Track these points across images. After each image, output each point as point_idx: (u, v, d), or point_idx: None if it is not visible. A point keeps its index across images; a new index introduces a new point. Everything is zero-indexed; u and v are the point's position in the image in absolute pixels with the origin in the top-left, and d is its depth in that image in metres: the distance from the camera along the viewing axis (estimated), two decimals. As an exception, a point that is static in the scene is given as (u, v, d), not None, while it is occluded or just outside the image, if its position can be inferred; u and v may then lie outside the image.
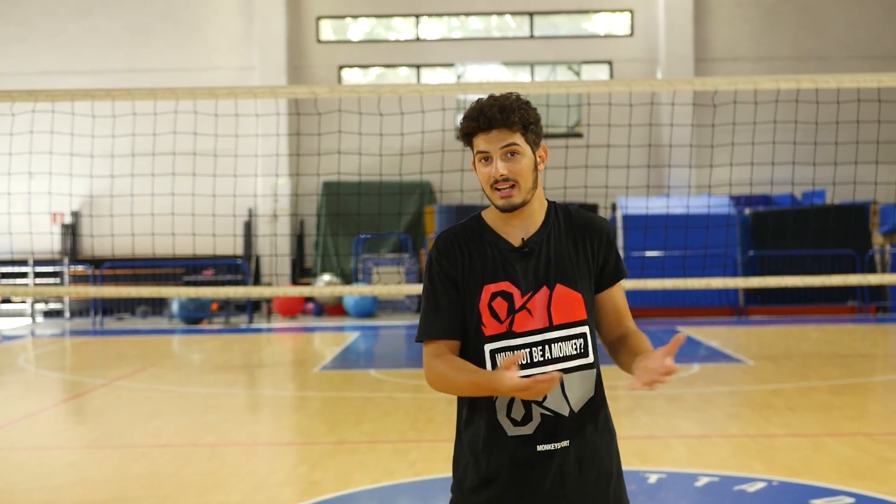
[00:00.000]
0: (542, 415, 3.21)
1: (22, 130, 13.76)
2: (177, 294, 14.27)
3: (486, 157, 3.21)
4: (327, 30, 28.54)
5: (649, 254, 20.92)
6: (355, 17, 28.63)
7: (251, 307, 23.56)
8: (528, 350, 3.21)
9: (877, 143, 14.09)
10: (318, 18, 28.25)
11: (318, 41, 28.30)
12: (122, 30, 27.50)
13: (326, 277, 24.36)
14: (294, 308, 23.92)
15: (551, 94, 11.01)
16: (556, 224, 3.33)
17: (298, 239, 27.27)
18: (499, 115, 3.17)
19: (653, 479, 7.39)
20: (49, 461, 8.72)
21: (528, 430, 3.21)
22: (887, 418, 10.13)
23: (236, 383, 13.52)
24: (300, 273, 26.96)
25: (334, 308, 24.24)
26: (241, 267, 24.49)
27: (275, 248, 24.82)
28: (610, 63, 28.12)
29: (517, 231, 3.29)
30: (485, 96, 3.30)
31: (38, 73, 26.77)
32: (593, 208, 23.97)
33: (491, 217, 3.34)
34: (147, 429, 10.04)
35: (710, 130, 14.27)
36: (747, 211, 23.46)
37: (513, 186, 3.20)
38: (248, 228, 26.05)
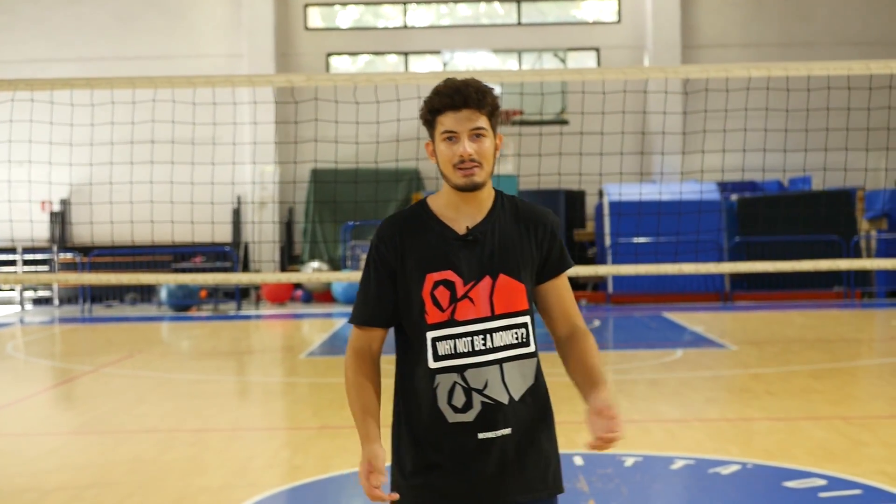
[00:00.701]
0: (482, 402, 3.24)
1: (9, 119, 13.78)
2: (166, 281, 14.34)
3: (452, 137, 3.23)
4: (315, 17, 28.56)
5: (635, 240, 21.01)
6: (343, 4, 28.65)
7: (240, 294, 23.63)
8: (469, 338, 3.24)
9: (846, 129, 14.18)
10: (306, 6, 28.26)
11: (307, 28, 28.31)
12: (109, 17, 27.48)
13: (315, 264, 24.44)
14: (282, 295, 24.00)
15: (527, 81, 11.05)
16: (502, 213, 3.35)
17: (287, 226, 27.32)
18: (475, 95, 3.21)
19: (629, 462, 7.48)
20: (34, 447, 8.80)
21: (468, 417, 3.24)
22: (865, 402, 10.24)
23: (223, 370, 13.60)
24: (289, 260, 27.02)
25: (322, 295, 24.32)
26: (229, 254, 24.55)
27: (260, 235, 24.86)
28: (597, 50, 28.17)
29: (463, 219, 3.31)
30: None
31: (24, 60, 26.74)
32: (580, 195, 24.07)
33: (437, 204, 3.36)
34: (132, 414, 10.12)
35: (697, 117, 14.36)
36: (733, 197, 23.56)
37: (477, 166, 3.23)
38: (237, 216, 26.10)
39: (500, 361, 3.25)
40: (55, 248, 25.43)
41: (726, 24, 28.08)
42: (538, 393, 3.34)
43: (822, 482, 6.78)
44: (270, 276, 15.05)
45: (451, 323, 3.25)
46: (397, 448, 3.37)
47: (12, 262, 25.35)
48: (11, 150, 15.84)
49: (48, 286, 25.43)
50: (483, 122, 3.23)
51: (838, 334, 16.48)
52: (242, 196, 25.99)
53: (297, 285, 24.40)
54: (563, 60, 28.07)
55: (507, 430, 3.25)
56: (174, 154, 15.80)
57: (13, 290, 25.69)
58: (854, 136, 15.27)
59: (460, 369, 3.23)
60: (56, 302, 25.14)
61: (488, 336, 3.25)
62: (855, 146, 15.83)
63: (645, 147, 25.15)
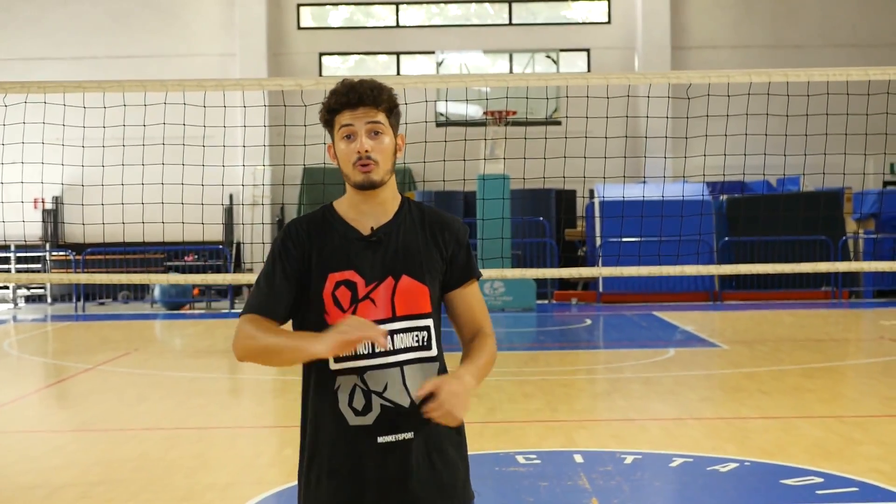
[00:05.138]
0: (381, 406, 3.19)
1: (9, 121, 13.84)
2: (162, 280, 14.43)
3: (350, 135, 3.24)
4: (307, 17, 28.65)
5: (626, 240, 21.15)
6: (335, 4, 28.74)
7: (232, 292, 23.71)
8: (370, 342, 3.17)
9: (845, 134, 14.36)
10: (299, 5, 28.36)
11: (299, 28, 28.40)
12: (104, 16, 27.53)
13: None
14: (275, 293, 24.05)
15: (531, 85, 11.20)
16: (408, 216, 3.34)
17: (279, 225, 27.39)
18: (370, 93, 3.23)
19: (629, 459, 7.62)
20: (39, 444, 8.90)
21: (368, 420, 3.20)
22: (857, 401, 10.41)
23: (220, 367, 13.70)
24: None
25: (315, 293, 24.36)
26: (222, 252, 24.63)
27: (252, 235, 24.90)
28: (588, 51, 28.31)
29: (367, 219, 3.30)
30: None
31: (18, 59, 26.77)
32: (571, 195, 24.18)
33: (342, 206, 3.35)
34: (134, 412, 10.22)
35: (686, 118, 14.52)
36: (723, 197, 23.73)
37: (374, 164, 3.22)
38: (230, 216, 26.18)
39: (400, 364, 3.21)
40: (48, 246, 25.47)
41: (716, 26, 28.25)
42: None
43: (819, 480, 6.93)
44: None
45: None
46: (301, 452, 3.33)
47: (6, 261, 25.38)
48: (3, 150, 15.90)
49: (40, 283, 25.46)
50: (380, 118, 3.25)
51: (828, 334, 16.67)
52: (235, 196, 26.03)
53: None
54: (555, 61, 28.21)
55: (409, 435, 3.20)
56: (169, 154, 15.85)
57: (6, 287, 25.72)
58: (846, 139, 15.43)
59: (360, 371, 3.19)
60: (49, 299, 25.18)
61: (388, 338, 3.20)
62: (847, 150, 15.99)
63: (638, 149, 25.30)
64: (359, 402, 3.19)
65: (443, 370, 3.30)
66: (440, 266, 3.33)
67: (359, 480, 3.20)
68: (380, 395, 3.19)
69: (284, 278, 3.27)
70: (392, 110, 3.28)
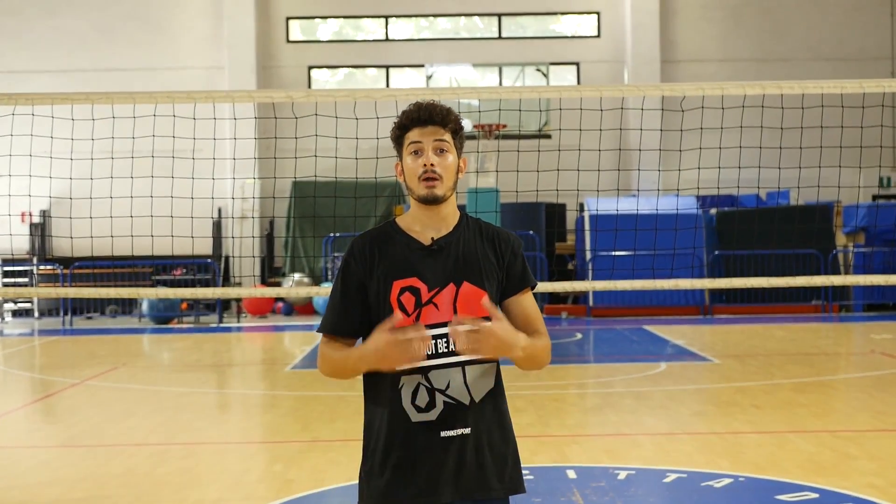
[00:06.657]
0: (444, 402, 3.45)
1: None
2: (150, 294, 14.31)
3: (417, 151, 3.51)
4: (296, 30, 28.61)
5: (616, 253, 21.11)
6: (324, 17, 28.70)
7: (221, 306, 23.59)
8: (433, 342, 3.43)
9: (839, 147, 14.33)
10: (288, 19, 28.31)
11: (288, 41, 28.35)
12: (90, 29, 27.44)
13: (296, 276, 24.42)
14: (264, 307, 23.96)
15: (523, 98, 11.14)
16: (466, 229, 3.59)
17: (268, 238, 27.29)
18: (439, 112, 3.51)
19: (622, 475, 7.55)
20: (25, 460, 8.80)
21: (431, 416, 3.45)
22: (850, 415, 10.35)
23: (208, 382, 13.60)
24: (270, 272, 26.99)
25: (304, 307, 24.30)
26: (210, 266, 24.51)
27: (241, 249, 24.78)
28: (577, 64, 28.30)
29: (429, 231, 3.54)
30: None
31: (3, 72, 26.65)
32: (561, 208, 24.14)
33: (405, 221, 3.60)
34: (121, 428, 10.11)
35: (678, 132, 14.48)
36: (713, 211, 23.71)
37: (438, 180, 3.48)
38: (218, 229, 26.06)
39: (462, 364, 3.45)
40: (35, 260, 25.33)
41: (704, 40, 28.29)
42: (498, 396, 3.57)
43: (815, 495, 6.86)
44: (248, 290, 15.01)
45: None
46: (366, 447, 3.57)
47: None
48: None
49: (27, 298, 25.32)
50: (447, 137, 3.52)
51: (818, 347, 16.62)
52: (224, 209, 25.94)
53: (279, 297, 24.38)
54: (545, 75, 28.21)
55: (467, 430, 3.46)
56: (157, 167, 15.76)
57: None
58: (841, 152, 15.43)
59: (424, 371, 3.43)
60: (36, 314, 25.04)
61: (451, 340, 3.41)
62: (838, 163, 15.98)
63: (627, 162, 25.27)
64: (422, 399, 3.44)
65: (499, 371, 3.59)
66: (497, 273, 3.57)
67: (419, 472, 3.45)
68: (443, 392, 3.45)
69: (350, 295, 3.55)
70: (457, 132, 3.56)
